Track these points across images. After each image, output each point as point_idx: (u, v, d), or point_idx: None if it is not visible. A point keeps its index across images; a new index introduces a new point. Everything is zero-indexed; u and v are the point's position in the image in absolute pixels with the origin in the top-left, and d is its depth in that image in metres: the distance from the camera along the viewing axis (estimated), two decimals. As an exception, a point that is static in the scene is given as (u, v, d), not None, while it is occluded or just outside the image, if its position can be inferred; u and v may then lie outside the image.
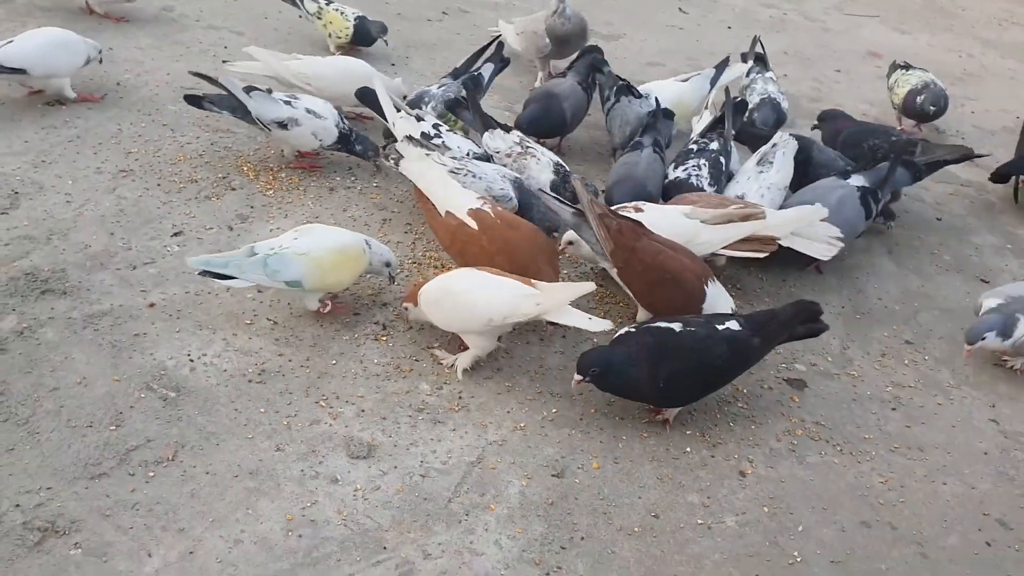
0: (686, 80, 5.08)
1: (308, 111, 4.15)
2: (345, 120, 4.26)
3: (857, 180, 4.11)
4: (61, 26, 4.65)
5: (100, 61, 4.65)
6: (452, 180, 3.65)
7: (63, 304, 3.33)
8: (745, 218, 3.65)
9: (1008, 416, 3.49)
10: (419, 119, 4.17)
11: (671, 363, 3.02)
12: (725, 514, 2.91)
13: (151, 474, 2.75)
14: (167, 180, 4.10)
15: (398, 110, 4.21)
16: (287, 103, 4.13)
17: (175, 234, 3.75)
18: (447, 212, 3.51)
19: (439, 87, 4.60)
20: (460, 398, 3.19)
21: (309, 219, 3.98)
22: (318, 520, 2.69)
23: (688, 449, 3.12)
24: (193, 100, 4.12)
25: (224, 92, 4.04)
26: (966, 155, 4.70)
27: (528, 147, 4.18)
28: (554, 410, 3.19)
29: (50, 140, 4.27)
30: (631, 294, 3.50)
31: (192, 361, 3.18)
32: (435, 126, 4.17)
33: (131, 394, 3.01)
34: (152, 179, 4.10)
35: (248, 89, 4.05)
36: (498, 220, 3.46)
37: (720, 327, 3.12)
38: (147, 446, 2.84)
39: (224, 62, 4.92)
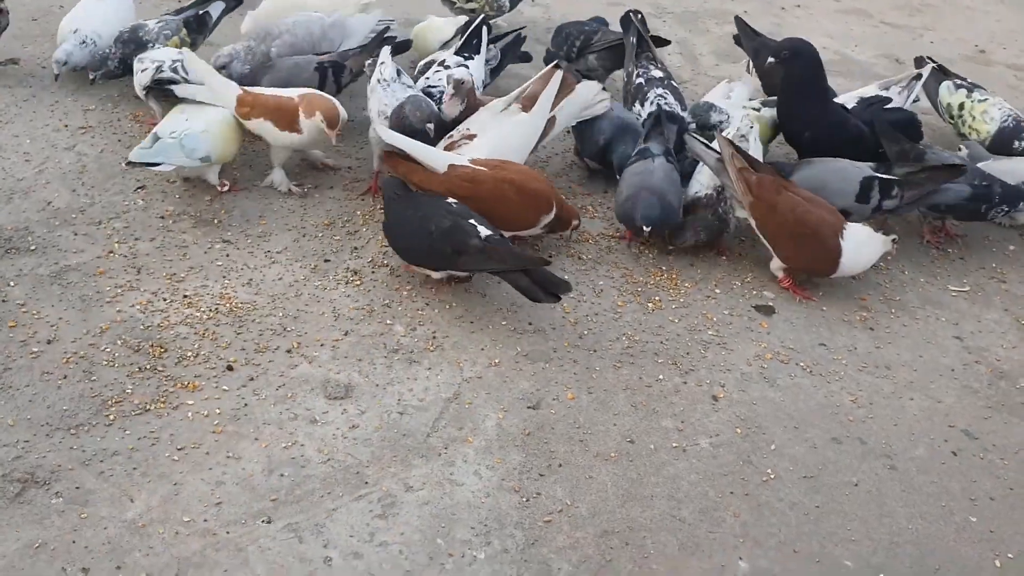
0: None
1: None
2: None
3: None
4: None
5: None
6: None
7: (29, 262, 3.30)
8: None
9: (971, 333, 3.57)
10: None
11: (409, 210, 3.32)
12: (699, 436, 2.97)
13: (128, 423, 2.76)
14: (127, 136, 4.05)
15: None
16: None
17: (139, 188, 3.72)
18: (450, 166, 3.42)
19: (157, 22, 4.26)
20: (434, 338, 3.21)
21: (267, 164, 3.97)
22: (299, 459, 2.71)
23: (661, 377, 3.17)
24: None
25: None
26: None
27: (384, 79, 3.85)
28: (527, 345, 3.22)
29: (4, 100, 4.19)
30: (768, 245, 3.61)
31: (163, 312, 3.17)
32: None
33: (103, 346, 3.00)
34: (112, 135, 4.05)
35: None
36: (486, 167, 3.49)
37: (471, 220, 3.20)
38: (122, 396, 2.84)
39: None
